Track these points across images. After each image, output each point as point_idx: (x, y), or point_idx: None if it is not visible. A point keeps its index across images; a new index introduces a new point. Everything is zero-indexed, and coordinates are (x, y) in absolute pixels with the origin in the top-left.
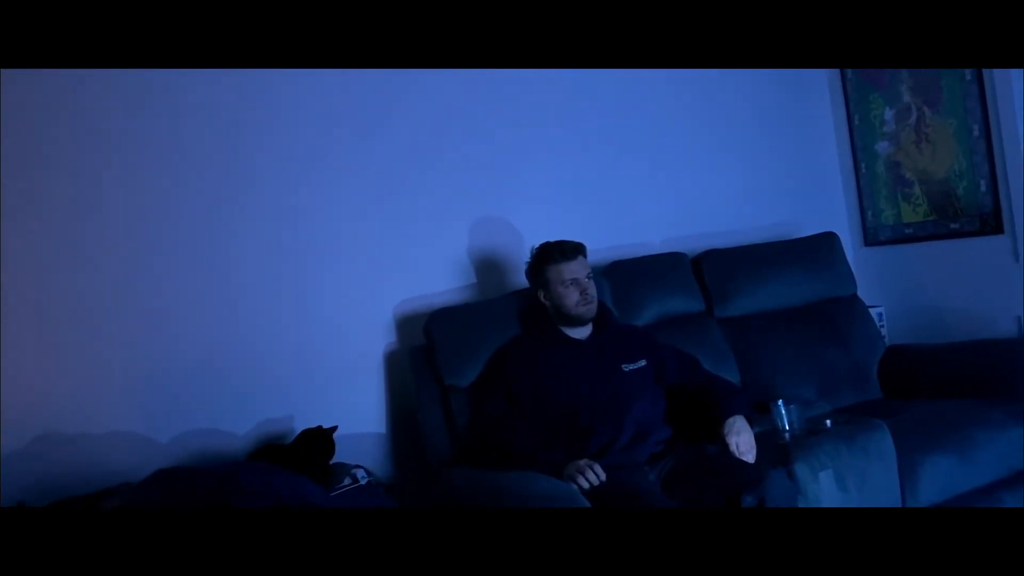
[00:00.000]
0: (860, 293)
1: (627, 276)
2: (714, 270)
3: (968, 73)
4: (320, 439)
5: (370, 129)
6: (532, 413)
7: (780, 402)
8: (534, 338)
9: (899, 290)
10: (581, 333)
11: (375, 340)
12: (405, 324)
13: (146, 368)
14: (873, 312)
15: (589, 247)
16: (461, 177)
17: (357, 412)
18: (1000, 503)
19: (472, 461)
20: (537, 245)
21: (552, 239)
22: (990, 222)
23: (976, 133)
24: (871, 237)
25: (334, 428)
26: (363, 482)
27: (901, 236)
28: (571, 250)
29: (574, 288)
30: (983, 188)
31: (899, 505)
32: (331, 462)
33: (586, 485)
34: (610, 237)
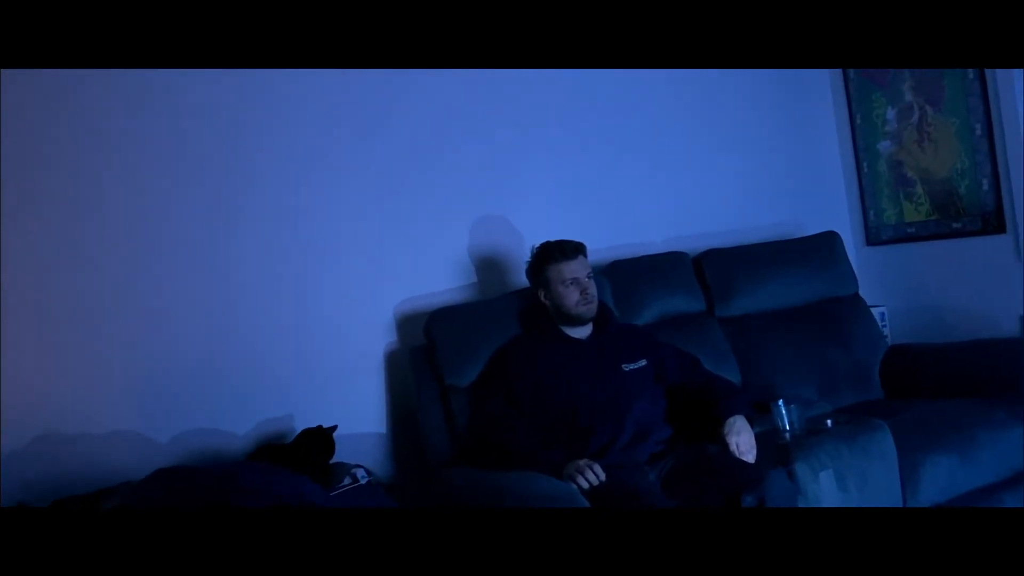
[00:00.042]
0: (862, 292)
1: (628, 275)
2: (715, 269)
3: (970, 72)
4: (320, 439)
5: (370, 129)
6: (532, 413)
7: (780, 402)
8: (534, 338)
9: (901, 289)
10: (581, 333)
11: (375, 340)
12: (405, 324)
13: (146, 368)
14: (875, 312)
15: (590, 247)
16: (461, 177)
17: (357, 412)
18: (1001, 503)
19: (472, 461)
20: (537, 245)
21: (552, 239)
22: (992, 221)
23: (978, 132)
24: (873, 236)
25: (334, 428)
26: (363, 482)
27: (903, 235)
28: (571, 250)
29: (574, 288)
30: (985, 187)
31: (900, 505)
32: (331, 462)
33: (585, 485)
34: (611, 237)
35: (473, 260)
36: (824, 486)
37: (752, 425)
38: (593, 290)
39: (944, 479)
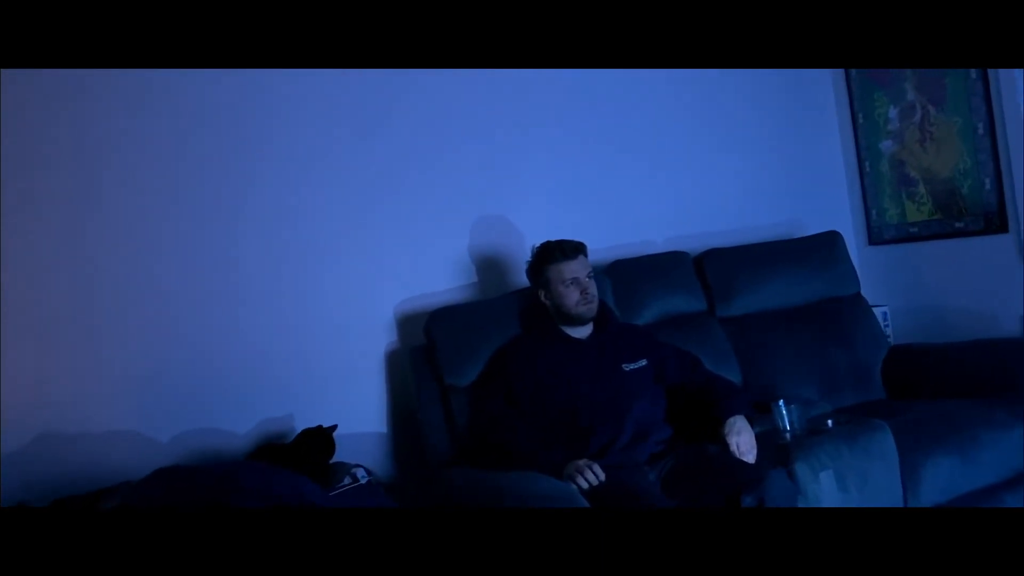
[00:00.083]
0: (864, 292)
1: (629, 275)
2: (716, 269)
3: (973, 71)
4: (320, 438)
5: (370, 129)
6: (532, 413)
7: (781, 402)
8: (534, 338)
9: (903, 289)
10: (582, 332)
11: (375, 339)
12: (405, 323)
13: (146, 368)
14: (877, 311)
15: (590, 246)
16: (461, 177)
17: (357, 411)
18: (1002, 504)
19: (472, 461)
20: (538, 244)
21: (553, 238)
22: (995, 221)
23: (981, 131)
24: (875, 236)
25: (334, 427)
26: (363, 481)
27: (905, 235)
28: (572, 249)
29: (574, 287)
30: (988, 187)
31: (901, 506)
32: (331, 461)
33: (585, 485)
34: (612, 236)
35: (473, 260)
36: (824, 486)
37: (752, 425)
38: (593, 290)
39: (945, 480)
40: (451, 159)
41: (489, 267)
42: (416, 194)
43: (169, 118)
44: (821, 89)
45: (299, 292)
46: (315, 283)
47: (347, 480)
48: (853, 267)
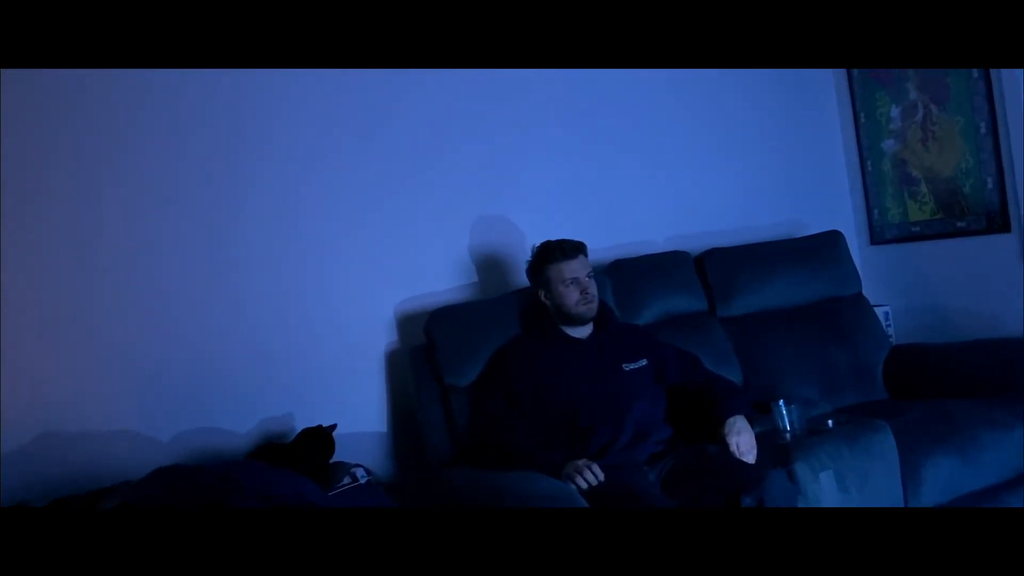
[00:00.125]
0: (866, 292)
1: (629, 275)
2: (717, 269)
3: (975, 71)
4: (320, 438)
5: (370, 129)
6: (532, 413)
7: (781, 402)
8: (535, 337)
9: (905, 289)
10: (582, 332)
11: (375, 339)
12: (405, 323)
13: (146, 368)
14: (879, 311)
15: (590, 246)
16: (461, 177)
17: (357, 411)
18: (1003, 504)
19: (472, 461)
20: (538, 244)
21: (553, 238)
22: (997, 220)
23: (983, 130)
24: (877, 235)
25: (334, 426)
26: (363, 481)
27: (907, 234)
28: (572, 249)
29: (574, 287)
30: (990, 186)
31: (901, 506)
32: (331, 461)
33: (584, 485)
34: (612, 236)
35: (473, 260)
36: (824, 486)
37: (752, 425)
38: (593, 290)
39: (945, 480)
40: (451, 159)
41: (489, 267)
42: (416, 194)
43: (169, 118)
44: (822, 89)
45: (299, 292)
46: (315, 283)
47: (347, 480)
48: (854, 267)
